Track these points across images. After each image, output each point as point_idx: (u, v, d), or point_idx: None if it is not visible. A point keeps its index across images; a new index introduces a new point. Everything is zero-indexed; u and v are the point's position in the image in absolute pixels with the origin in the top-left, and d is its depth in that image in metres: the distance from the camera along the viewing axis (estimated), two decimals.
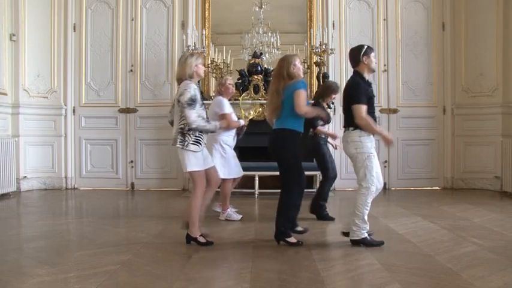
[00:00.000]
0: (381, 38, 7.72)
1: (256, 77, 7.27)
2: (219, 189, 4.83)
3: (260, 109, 7.17)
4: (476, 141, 7.60)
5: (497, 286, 2.99)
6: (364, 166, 3.94)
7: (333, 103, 6.85)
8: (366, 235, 3.99)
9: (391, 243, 4.06)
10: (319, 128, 5.19)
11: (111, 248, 3.96)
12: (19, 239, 4.42)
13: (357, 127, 3.96)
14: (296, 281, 3.11)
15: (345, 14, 7.74)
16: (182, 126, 3.94)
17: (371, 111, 4.00)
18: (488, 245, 4.01)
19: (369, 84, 4.09)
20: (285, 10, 7.93)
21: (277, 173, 4.21)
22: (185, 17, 7.72)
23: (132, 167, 7.81)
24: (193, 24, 7.58)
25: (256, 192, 6.87)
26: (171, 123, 4.18)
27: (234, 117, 5.22)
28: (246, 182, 6.71)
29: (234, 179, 5.37)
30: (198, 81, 5.13)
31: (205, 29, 7.64)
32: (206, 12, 7.72)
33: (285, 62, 4.10)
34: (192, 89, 3.92)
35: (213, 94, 6.89)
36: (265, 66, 7.48)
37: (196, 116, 3.88)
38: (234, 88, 5.49)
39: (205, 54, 7.40)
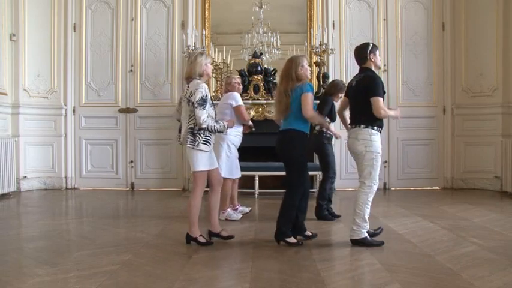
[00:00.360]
0: (381, 38, 7.71)
1: (256, 77, 7.27)
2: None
3: (260, 109, 7.17)
4: (476, 141, 7.59)
5: (497, 286, 2.99)
6: (371, 165, 3.97)
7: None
8: (366, 235, 4.00)
9: (391, 243, 4.06)
10: (326, 124, 5.19)
11: (111, 248, 3.96)
12: (19, 239, 4.42)
13: (367, 125, 3.97)
14: (296, 281, 3.11)
15: (345, 14, 7.74)
16: (192, 126, 3.96)
17: None
18: (488, 245, 4.01)
19: None
20: (285, 10, 7.93)
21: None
22: (185, 17, 7.72)
23: (132, 167, 7.80)
24: (193, 24, 7.58)
25: (256, 192, 6.86)
26: (179, 120, 4.20)
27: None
28: (246, 182, 6.72)
29: (234, 180, 5.38)
30: None
31: (205, 29, 7.63)
32: (206, 12, 7.73)
33: (293, 63, 4.09)
34: (204, 89, 3.93)
35: (213, 94, 6.92)
36: (265, 66, 7.48)
37: (206, 116, 3.90)
38: (241, 86, 5.56)
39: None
